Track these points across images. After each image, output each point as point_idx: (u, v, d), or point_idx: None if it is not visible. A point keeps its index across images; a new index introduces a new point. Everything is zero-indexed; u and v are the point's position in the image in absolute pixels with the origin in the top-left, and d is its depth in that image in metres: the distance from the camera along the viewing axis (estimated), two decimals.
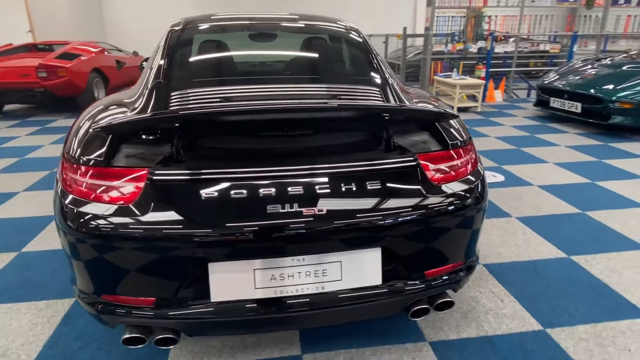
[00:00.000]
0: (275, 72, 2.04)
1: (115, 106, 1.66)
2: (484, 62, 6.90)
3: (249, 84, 1.70)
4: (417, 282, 1.39)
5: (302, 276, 1.29)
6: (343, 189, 1.28)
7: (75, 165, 1.31)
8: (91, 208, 1.25)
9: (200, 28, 2.17)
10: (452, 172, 1.43)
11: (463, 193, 1.40)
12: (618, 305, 1.89)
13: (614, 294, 1.97)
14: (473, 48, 6.88)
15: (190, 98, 1.53)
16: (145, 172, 1.25)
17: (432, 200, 1.34)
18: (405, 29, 7.62)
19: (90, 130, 1.37)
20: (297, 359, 1.60)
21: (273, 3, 9.94)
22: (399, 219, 1.29)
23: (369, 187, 1.30)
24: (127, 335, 1.30)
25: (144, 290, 1.28)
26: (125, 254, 1.23)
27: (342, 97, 1.60)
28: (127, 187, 1.25)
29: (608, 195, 3.09)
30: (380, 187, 1.31)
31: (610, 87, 4.85)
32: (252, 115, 1.27)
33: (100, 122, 1.23)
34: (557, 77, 5.64)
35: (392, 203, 1.30)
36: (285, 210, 1.23)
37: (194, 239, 1.21)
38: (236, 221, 1.21)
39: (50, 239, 2.51)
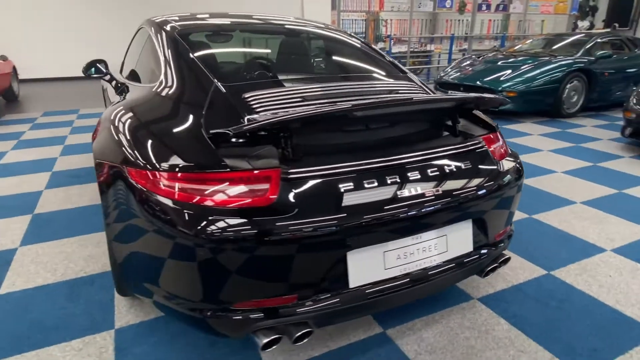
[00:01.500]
0: (314, 71, 2.08)
1: (172, 114, 1.56)
2: None
3: (309, 83, 1.75)
4: (492, 245, 1.65)
5: (420, 252, 1.43)
6: (446, 171, 1.46)
7: (195, 174, 1.24)
8: (226, 214, 1.21)
9: (212, 28, 2.12)
10: (502, 150, 1.72)
11: (514, 167, 1.70)
12: (584, 246, 2.43)
13: (576, 238, 2.52)
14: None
15: (274, 99, 1.54)
16: (276, 171, 1.25)
17: (501, 174, 1.61)
18: None
19: (197, 135, 1.31)
20: (383, 336, 1.73)
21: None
22: (486, 193, 1.53)
23: (463, 168, 1.50)
24: (266, 340, 1.29)
25: (285, 290, 1.28)
26: (269, 255, 1.22)
27: (399, 91, 1.77)
28: (264, 189, 1.24)
29: (527, 167, 3.82)
30: (470, 166, 1.52)
31: (497, 79, 5.84)
32: (369, 110, 1.36)
33: (233, 127, 1.20)
34: (452, 72, 6.55)
35: (480, 180, 1.53)
36: (408, 194, 1.36)
37: (338, 232, 1.26)
38: (370, 209, 1.30)
39: (28, 274, 2.14)
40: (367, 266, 1.35)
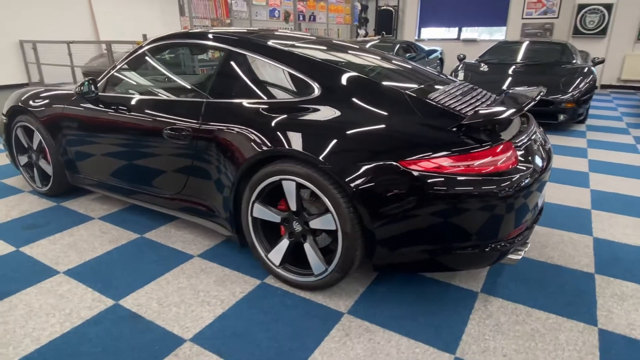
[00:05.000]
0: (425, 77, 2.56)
1: (396, 117, 1.92)
2: None
3: (440, 84, 2.33)
4: None
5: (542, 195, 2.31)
6: (549, 140, 2.37)
7: (479, 152, 1.76)
8: (505, 175, 1.78)
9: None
10: None
11: None
12: None
13: None
14: None
15: (453, 97, 2.10)
16: (512, 143, 1.89)
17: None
18: (145, 36, 7.50)
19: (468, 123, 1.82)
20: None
21: None
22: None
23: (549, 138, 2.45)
24: (519, 257, 1.93)
25: (524, 220, 1.94)
26: (522, 199, 1.86)
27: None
28: (512, 155, 1.85)
29: None
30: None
31: None
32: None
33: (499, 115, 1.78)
34: None
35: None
36: (544, 151, 2.21)
37: (541, 176, 1.99)
38: (542, 161, 2.08)
39: (194, 316, 1.95)
40: (540, 197, 2.15)
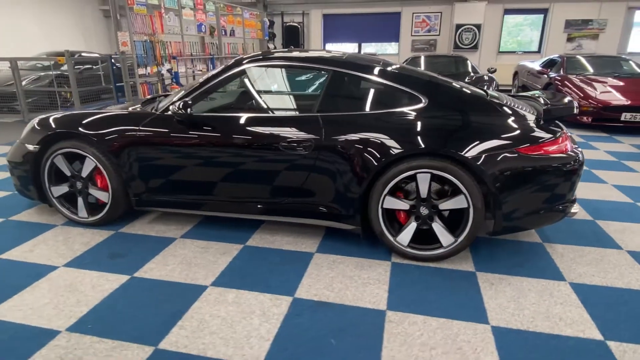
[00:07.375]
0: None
1: (493, 117, 2.58)
2: (174, 81, 7.77)
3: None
4: None
5: None
6: None
7: (556, 140, 2.51)
8: (571, 152, 2.57)
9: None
10: None
11: None
12: None
13: None
14: (163, 70, 7.56)
15: (509, 99, 2.83)
16: (566, 133, 2.70)
17: None
18: (67, 51, 6.95)
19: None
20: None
21: None
22: None
23: None
24: (577, 211, 2.74)
25: (576, 187, 2.76)
26: (579, 170, 2.67)
27: None
28: (569, 141, 2.65)
29: None
30: None
31: None
32: None
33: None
34: None
35: None
36: None
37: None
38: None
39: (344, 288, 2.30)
40: None
